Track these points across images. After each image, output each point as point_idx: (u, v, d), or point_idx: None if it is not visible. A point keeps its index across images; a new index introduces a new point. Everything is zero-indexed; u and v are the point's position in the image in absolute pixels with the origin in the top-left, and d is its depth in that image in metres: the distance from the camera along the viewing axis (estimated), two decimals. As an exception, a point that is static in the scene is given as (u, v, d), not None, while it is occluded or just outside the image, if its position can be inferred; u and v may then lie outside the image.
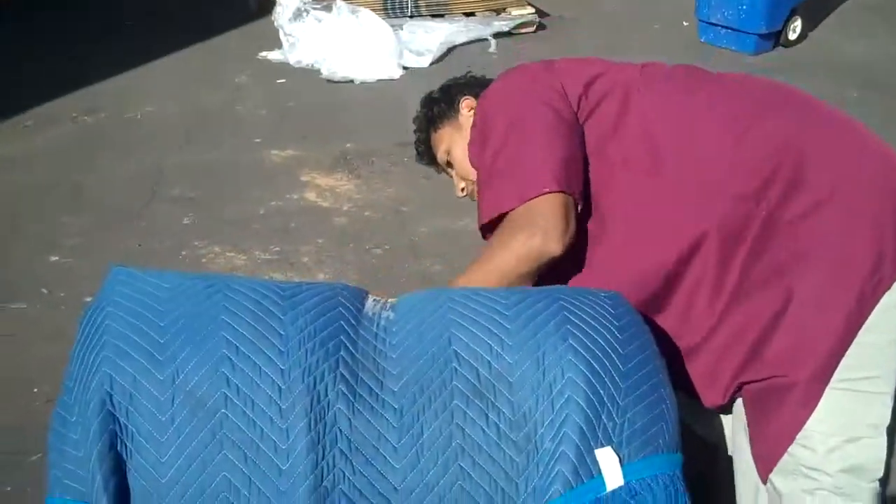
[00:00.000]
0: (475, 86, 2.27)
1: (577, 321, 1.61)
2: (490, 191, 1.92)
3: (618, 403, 1.55)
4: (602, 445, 1.52)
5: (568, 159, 1.84)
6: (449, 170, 2.30)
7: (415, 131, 2.38)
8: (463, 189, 2.26)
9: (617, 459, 1.51)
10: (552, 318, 1.61)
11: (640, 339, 1.64)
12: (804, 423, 1.73)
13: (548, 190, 1.79)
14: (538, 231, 1.78)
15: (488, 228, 1.93)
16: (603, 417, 1.53)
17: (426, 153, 2.35)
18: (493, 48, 6.53)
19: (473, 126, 2.08)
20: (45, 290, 3.78)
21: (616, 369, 1.57)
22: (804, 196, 1.76)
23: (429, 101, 2.33)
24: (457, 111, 2.24)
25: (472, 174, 2.09)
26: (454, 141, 2.22)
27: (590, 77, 1.95)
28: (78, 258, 4.00)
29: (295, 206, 4.40)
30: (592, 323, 1.61)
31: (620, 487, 1.49)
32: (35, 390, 3.18)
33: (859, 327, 1.72)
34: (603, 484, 1.49)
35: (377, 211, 4.32)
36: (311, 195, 4.49)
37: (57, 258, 4.03)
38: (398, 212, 4.30)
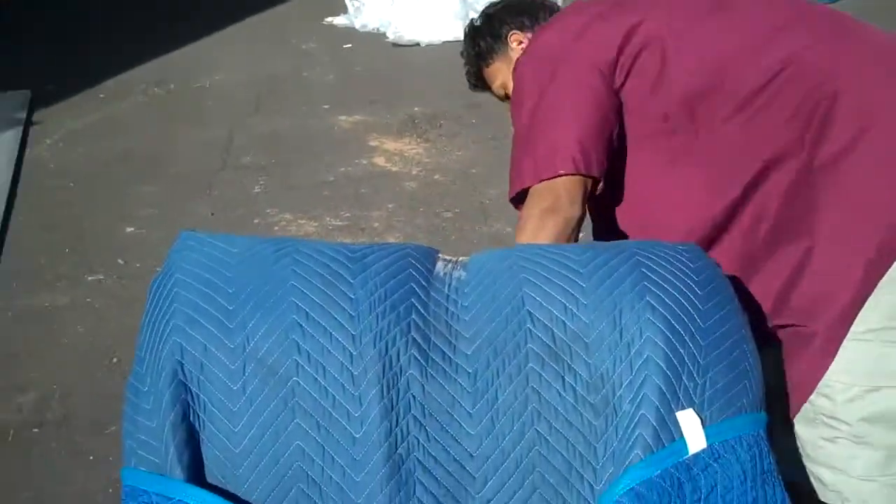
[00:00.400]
0: (517, 12, 2.25)
1: (654, 277, 1.56)
2: (513, 167, 1.96)
3: (698, 362, 1.50)
4: (683, 407, 1.47)
5: (590, 137, 1.85)
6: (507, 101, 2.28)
7: (465, 65, 2.36)
8: None
9: (699, 421, 1.46)
10: (628, 275, 1.56)
11: (720, 295, 1.59)
12: (824, 372, 1.73)
13: (563, 172, 1.82)
14: (550, 211, 1.84)
15: (518, 199, 1.95)
16: (683, 378, 1.48)
17: (481, 85, 2.35)
18: (560, 2, 6.43)
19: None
20: (121, 261, 3.82)
21: (696, 326, 1.52)
22: (834, 140, 1.73)
23: (473, 34, 2.31)
24: (505, 44, 2.23)
25: None
26: (508, 75, 2.18)
27: (624, 33, 1.89)
28: (152, 228, 4.03)
29: (364, 171, 4.39)
30: (670, 278, 1.56)
31: (703, 450, 1.45)
32: (114, 360, 3.22)
33: (879, 277, 1.69)
34: (685, 447, 1.44)
35: (446, 174, 4.29)
36: (379, 160, 4.48)
37: (132, 229, 4.06)
38: (467, 175, 4.26)
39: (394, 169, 4.40)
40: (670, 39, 1.86)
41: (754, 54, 1.80)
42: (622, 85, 1.89)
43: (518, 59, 2.06)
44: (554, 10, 2.24)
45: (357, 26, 6.15)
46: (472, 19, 2.38)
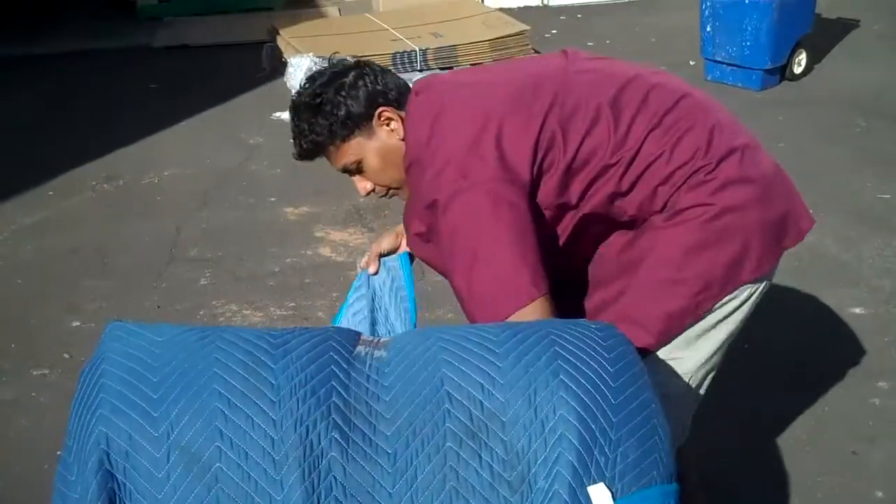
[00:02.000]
0: (377, 84, 2.15)
1: (567, 355, 1.62)
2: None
3: (610, 438, 1.56)
4: (595, 481, 1.52)
5: (536, 258, 1.97)
6: (350, 174, 2.22)
7: (306, 135, 2.15)
8: (370, 192, 2.24)
9: (609, 495, 1.51)
10: (543, 354, 1.62)
11: (631, 370, 1.65)
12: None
13: (528, 299, 1.92)
14: None
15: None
16: (595, 453, 1.54)
17: (311, 157, 2.22)
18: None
19: (409, 157, 2.11)
20: (66, 355, 3.83)
21: (608, 403, 1.58)
22: None
23: (324, 106, 2.12)
24: (369, 119, 2.12)
25: (390, 181, 2.21)
26: (366, 150, 2.15)
27: (535, 132, 2.01)
28: (99, 322, 4.04)
29: (309, 261, 4.44)
30: (583, 356, 1.63)
31: (614, 522, 1.50)
32: (59, 454, 3.20)
33: None
34: (597, 520, 1.50)
35: (390, 263, 4.35)
36: (325, 250, 4.54)
37: (79, 323, 4.08)
38: (415, 263, 4.31)
39: (339, 259, 4.45)
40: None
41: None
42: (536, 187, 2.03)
43: (424, 158, 2.04)
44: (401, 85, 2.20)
45: (304, 120, 6.24)
46: (307, 89, 2.15)
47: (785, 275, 4.08)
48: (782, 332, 3.66)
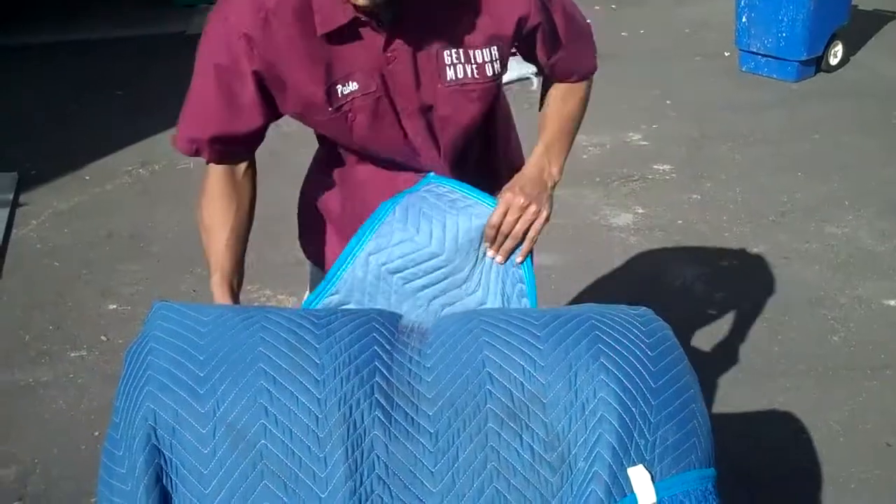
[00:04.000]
0: None
1: (608, 339, 1.63)
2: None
3: (650, 421, 1.56)
4: (634, 464, 1.53)
5: None
6: None
7: None
8: None
9: (649, 477, 1.52)
10: (584, 338, 1.63)
11: (671, 355, 1.66)
12: None
13: None
14: None
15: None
16: (635, 435, 1.55)
17: None
18: (535, 86, 6.58)
19: None
20: (104, 338, 3.88)
21: (647, 386, 1.59)
22: None
23: None
24: None
25: None
26: None
27: None
28: (136, 306, 4.10)
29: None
30: (623, 341, 1.63)
31: (653, 504, 1.51)
32: (95, 433, 3.26)
33: None
34: (636, 502, 1.51)
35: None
36: (359, 237, 4.56)
37: (115, 306, 4.13)
38: (445, 249, 4.34)
39: (373, 245, 4.48)
40: None
41: None
42: None
43: None
44: None
45: (337, 107, 6.27)
46: None
47: (819, 266, 4.09)
48: (816, 324, 3.66)
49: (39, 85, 6.95)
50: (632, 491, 1.51)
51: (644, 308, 1.79)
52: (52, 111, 6.44)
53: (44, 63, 7.38)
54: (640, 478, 1.52)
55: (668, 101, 6.37)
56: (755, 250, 4.27)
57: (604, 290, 3.92)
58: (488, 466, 1.54)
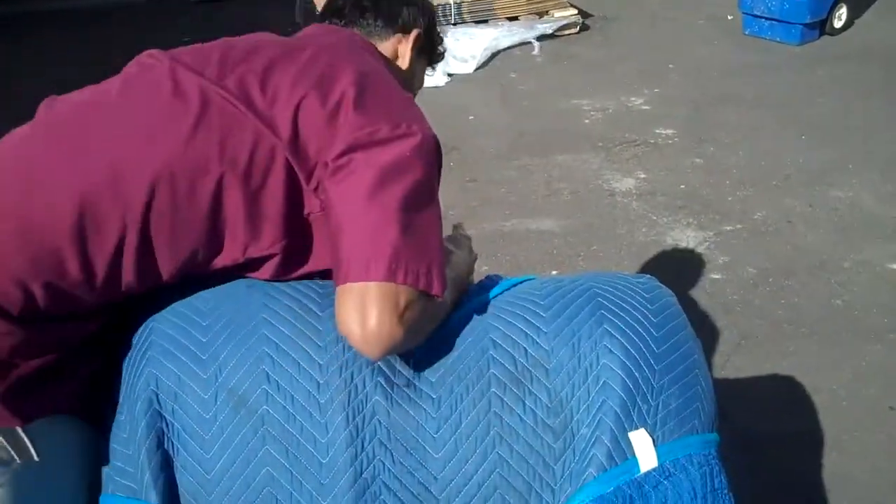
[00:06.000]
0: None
1: (610, 306, 1.63)
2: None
3: (653, 386, 1.56)
4: (636, 428, 1.54)
5: None
6: None
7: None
8: None
9: (651, 441, 1.52)
10: (587, 305, 1.63)
11: (674, 321, 1.66)
12: None
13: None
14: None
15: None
16: (638, 400, 1.55)
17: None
18: (536, 51, 6.55)
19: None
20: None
21: (651, 351, 1.59)
22: None
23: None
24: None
25: None
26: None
27: None
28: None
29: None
30: (626, 307, 1.63)
31: (654, 468, 1.51)
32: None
33: None
34: (637, 465, 1.51)
35: (426, 216, 4.37)
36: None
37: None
38: (446, 216, 4.29)
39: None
40: None
41: None
42: None
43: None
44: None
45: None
46: None
47: (823, 230, 4.08)
48: (820, 287, 3.65)
49: (37, 52, 6.91)
50: (633, 454, 1.52)
51: (647, 276, 1.79)
52: (49, 78, 6.41)
53: (41, 31, 7.34)
54: (641, 441, 1.52)
55: (670, 65, 6.33)
56: (758, 214, 4.25)
57: (606, 255, 3.91)
58: (491, 432, 1.55)
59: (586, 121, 5.41)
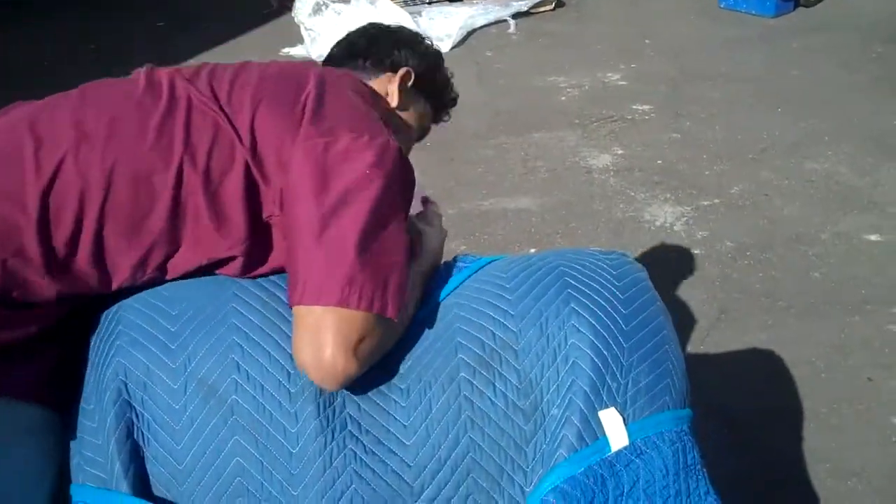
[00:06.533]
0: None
1: (577, 284, 1.63)
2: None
3: (622, 363, 1.56)
4: (606, 407, 1.53)
5: None
6: None
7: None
8: None
9: (621, 420, 1.52)
10: (554, 284, 1.63)
11: (643, 297, 1.66)
12: None
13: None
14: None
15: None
16: (607, 379, 1.55)
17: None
18: (512, 29, 6.53)
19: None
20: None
21: (619, 329, 1.59)
22: None
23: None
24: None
25: None
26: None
27: None
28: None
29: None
30: (593, 285, 1.63)
31: (625, 447, 1.51)
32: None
33: None
34: (608, 445, 1.51)
35: (403, 197, 4.36)
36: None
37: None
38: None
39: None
40: None
41: None
42: None
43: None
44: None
45: (314, 55, 6.21)
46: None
47: (800, 202, 4.08)
48: (797, 260, 3.66)
49: (12, 41, 6.86)
50: (603, 434, 1.52)
51: (616, 251, 1.79)
52: (26, 66, 6.36)
53: (15, 19, 7.27)
54: (611, 420, 1.52)
55: (646, 41, 6.32)
56: (735, 188, 4.25)
57: (584, 233, 3.91)
58: (462, 416, 1.54)
59: (563, 98, 5.39)
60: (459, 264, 1.76)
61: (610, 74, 5.74)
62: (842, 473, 2.61)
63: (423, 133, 2.06)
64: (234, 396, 1.52)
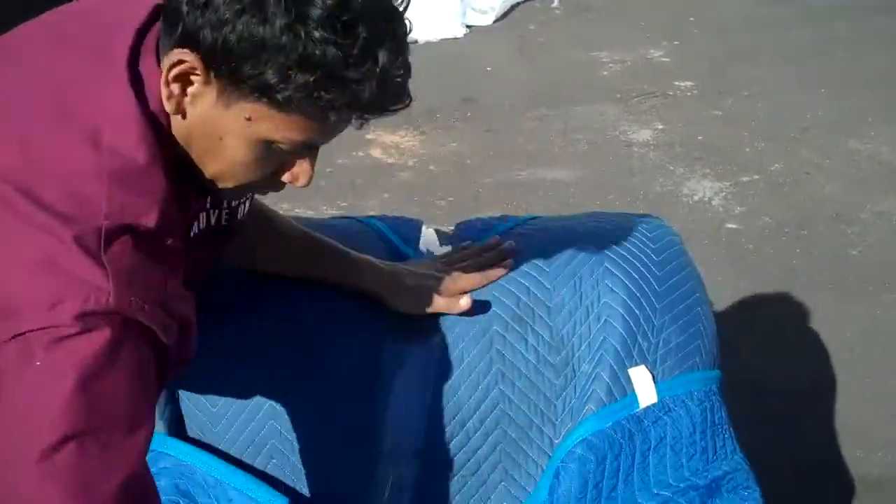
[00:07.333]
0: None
1: (613, 245, 1.64)
2: None
3: (653, 323, 1.58)
4: (637, 365, 1.55)
5: None
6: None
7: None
8: None
9: (650, 377, 1.54)
10: (588, 244, 1.64)
11: (677, 260, 1.67)
12: None
13: None
14: None
15: None
16: (638, 338, 1.56)
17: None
18: (556, 3, 6.50)
19: None
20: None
21: (652, 289, 1.60)
22: None
23: None
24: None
25: None
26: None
27: None
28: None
29: (361, 163, 4.46)
30: (629, 246, 1.64)
31: (654, 404, 1.53)
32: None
33: None
34: (636, 401, 1.53)
35: (441, 165, 4.36)
36: (376, 152, 4.55)
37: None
38: (462, 165, 4.33)
39: (389, 161, 4.47)
40: None
41: None
42: None
43: None
44: None
45: (357, 25, 6.22)
46: None
47: (840, 181, 4.06)
48: (835, 238, 3.65)
49: None
50: (633, 390, 1.53)
51: (651, 215, 1.79)
52: None
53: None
54: (641, 378, 1.54)
55: (690, 18, 6.27)
56: (776, 166, 4.23)
57: (621, 205, 3.90)
58: (493, 369, 1.56)
59: (605, 73, 5.37)
60: (496, 222, 1.78)
61: (653, 51, 5.71)
62: (873, 446, 2.61)
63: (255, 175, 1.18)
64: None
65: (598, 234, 1.67)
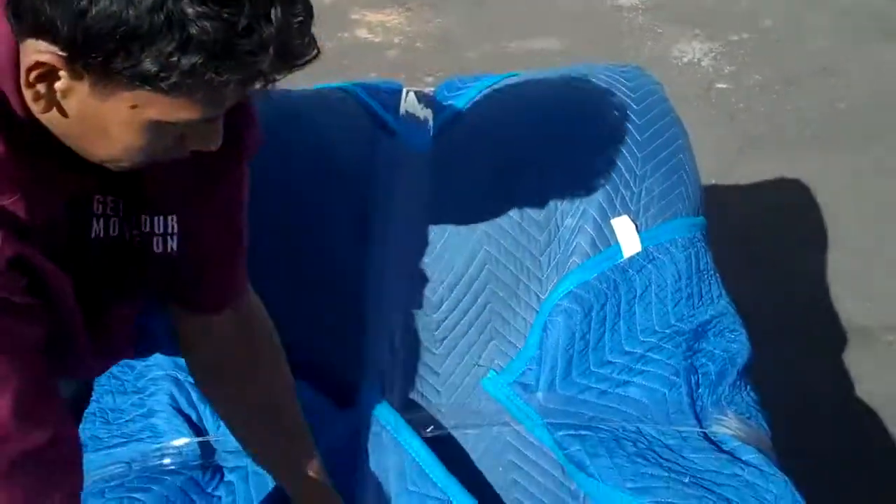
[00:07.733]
0: None
1: (592, 96, 1.64)
2: None
3: (635, 173, 1.58)
4: (619, 215, 1.56)
5: None
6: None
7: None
8: None
9: (633, 227, 1.55)
10: (568, 97, 1.65)
11: (657, 108, 1.67)
12: None
13: None
14: None
15: None
16: (621, 188, 1.57)
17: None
18: None
19: None
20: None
21: (633, 139, 1.60)
22: None
23: None
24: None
25: None
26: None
27: None
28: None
29: (347, 43, 4.40)
30: (608, 97, 1.64)
31: (638, 253, 1.54)
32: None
33: None
34: (620, 251, 1.54)
35: (427, 41, 4.31)
36: (362, 32, 4.49)
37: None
38: (448, 40, 4.27)
39: (376, 39, 4.41)
40: None
41: None
42: None
43: None
44: None
45: None
46: None
47: (831, 35, 4.02)
48: (823, 92, 3.63)
49: None
50: (616, 241, 1.54)
51: (632, 65, 1.79)
52: None
53: None
54: (623, 228, 1.55)
55: None
56: (765, 23, 4.18)
57: (610, 71, 3.88)
58: (478, 231, 1.57)
59: (590, -63, 5.28)
60: (475, 81, 1.77)
61: (638, -88, 5.60)
62: (864, 294, 2.65)
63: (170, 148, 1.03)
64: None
65: (576, 88, 1.67)
